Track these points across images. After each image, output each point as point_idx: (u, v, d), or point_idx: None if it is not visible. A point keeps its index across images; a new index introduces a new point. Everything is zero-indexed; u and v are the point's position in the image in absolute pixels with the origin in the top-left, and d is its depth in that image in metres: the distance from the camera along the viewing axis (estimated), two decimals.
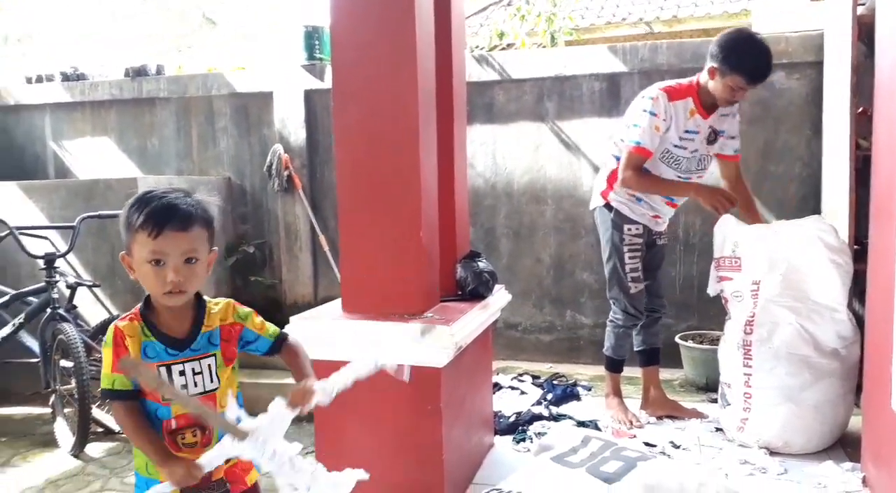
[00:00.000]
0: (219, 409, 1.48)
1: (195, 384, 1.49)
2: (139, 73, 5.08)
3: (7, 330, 3.54)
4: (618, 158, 3.03)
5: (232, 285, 4.91)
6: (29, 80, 5.42)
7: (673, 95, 2.91)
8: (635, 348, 3.32)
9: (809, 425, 2.76)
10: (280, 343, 1.65)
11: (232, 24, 13.56)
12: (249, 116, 4.95)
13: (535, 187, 4.44)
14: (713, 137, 3.04)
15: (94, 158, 5.25)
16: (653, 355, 3.30)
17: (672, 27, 8.11)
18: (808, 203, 3.98)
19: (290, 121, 4.79)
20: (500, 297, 2.84)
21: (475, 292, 2.60)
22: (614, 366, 3.27)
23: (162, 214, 1.41)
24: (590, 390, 3.74)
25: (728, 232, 2.99)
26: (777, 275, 2.79)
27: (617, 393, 3.27)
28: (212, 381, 1.50)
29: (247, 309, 1.61)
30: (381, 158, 2.30)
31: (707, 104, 2.95)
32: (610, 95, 4.26)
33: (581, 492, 2.17)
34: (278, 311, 4.87)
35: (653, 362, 3.29)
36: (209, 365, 1.51)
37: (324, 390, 1.49)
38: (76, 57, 5.73)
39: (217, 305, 1.56)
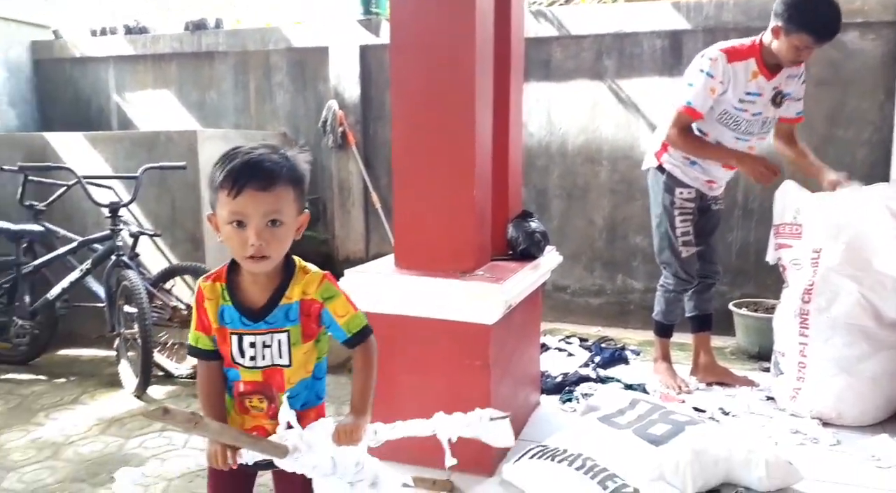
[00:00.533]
0: (286, 385, 1.45)
1: (263, 358, 1.43)
2: (198, 26, 5.14)
3: (75, 275, 3.70)
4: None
5: None
6: (94, 33, 5.54)
7: (733, 55, 2.80)
8: (687, 314, 3.27)
9: (865, 396, 2.70)
10: (356, 341, 1.51)
11: None
12: (305, 71, 4.97)
13: (591, 148, 4.36)
14: (779, 99, 2.92)
15: (155, 110, 5.36)
16: (704, 321, 3.25)
17: None
18: (878, 170, 3.82)
19: (345, 77, 4.80)
20: (551, 258, 2.83)
21: (526, 253, 2.59)
22: (664, 331, 3.24)
23: (243, 172, 1.32)
24: (638, 354, 3.73)
25: (789, 198, 2.91)
26: (840, 243, 2.70)
27: (666, 358, 3.24)
28: (280, 356, 1.43)
29: (336, 289, 1.47)
30: (436, 114, 2.29)
31: (770, 65, 2.83)
32: (672, 54, 4.13)
33: (627, 453, 2.18)
34: (330, 266, 4.93)
35: (704, 328, 3.25)
36: (280, 340, 1.42)
37: (374, 436, 1.51)
38: (137, 9, 5.77)
39: (306, 274, 1.46)
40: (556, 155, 4.44)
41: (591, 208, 4.41)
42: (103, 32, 5.48)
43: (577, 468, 2.12)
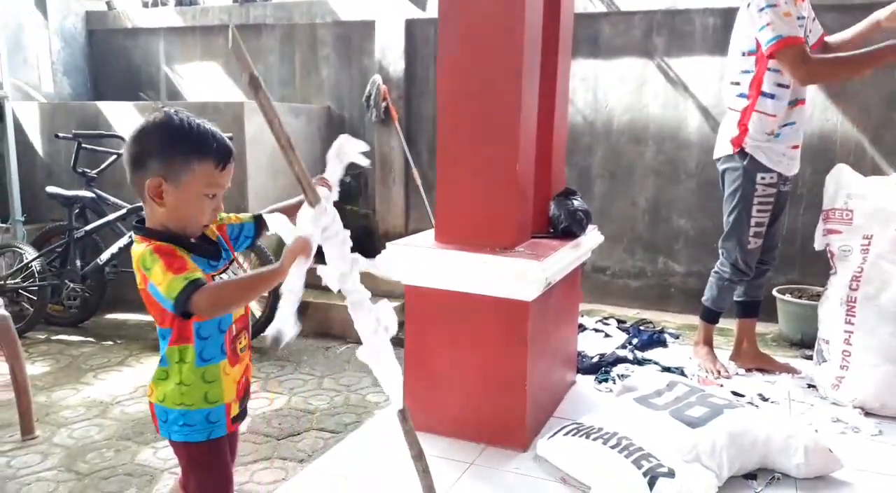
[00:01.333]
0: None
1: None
2: None
3: (124, 241, 3.81)
4: (745, 97, 2.82)
5: None
6: (145, 4, 5.63)
7: None
8: (735, 298, 3.18)
9: None
10: (260, 219, 1.59)
11: None
12: (351, 45, 4.98)
13: (636, 127, 4.29)
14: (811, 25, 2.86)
15: (203, 81, 5.45)
16: (752, 307, 3.17)
17: None
18: None
19: (389, 51, 4.80)
20: (592, 237, 2.81)
21: (567, 230, 2.58)
22: (711, 317, 3.15)
23: (228, 149, 1.42)
24: (677, 338, 3.69)
25: (842, 183, 2.82)
26: (891, 230, 2.63)
27: (708, 342, 3.19)
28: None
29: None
30: (482, 87, 2.28)
31: None
32: (724, 32, 3.99)
33: (663, 434, 2.17)
34: (370, 240, 5.00)
35: (751, 314, 3.18)
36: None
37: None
38: None
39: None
40: (600, 134, 4.38)
41: (635, 189, 4.35)
42: (154, 4, 5.58)
43: (612, 447, 2.12)
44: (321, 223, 1.45)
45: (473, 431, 2.42)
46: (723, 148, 2.98)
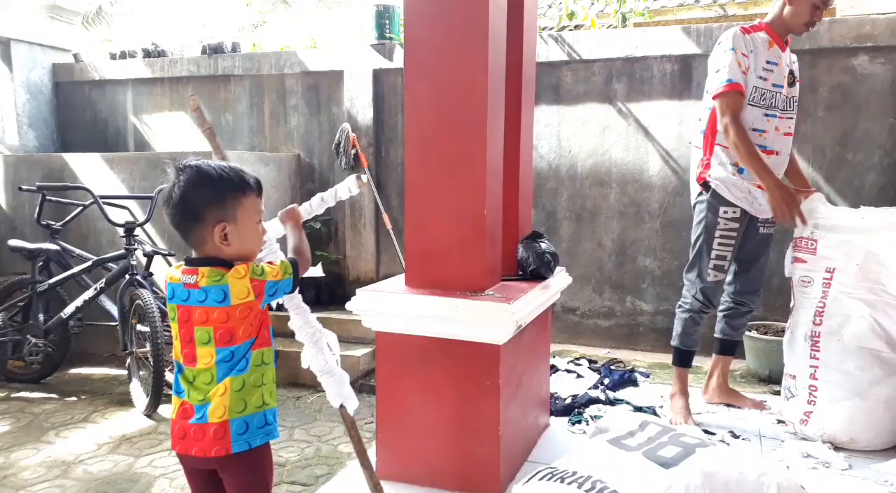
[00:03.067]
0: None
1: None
2: (216, 50, 5.24)
3: (89, 294, 3.74)
4: (704, 133, 2.93)
5: None
6: (113, 57, 5.66)
7: (747, 29, 2.85)
8: (715, 334, 3.20)
9: (878, 421, 2.68)
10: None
11: (305, 4, 13.74)
12: (320, 95, 5.05)
13: (600, 171, 4.39)
14: (791, 78, 2.94)
15: (171, 131, 5.46)
16: (729, 346, 3.19)
17: (747, 10, 7.84)
18: (888, 194, 3.82)
19: (358, 100, 4.87)
20: (560, 279, 2.84)
21: (536, 273, 2.60)
22: (682, 359, 3.05)
23: (255, 177, 1.65)
24: (648, 376, 3.71)
25: (813, 211, 2.85)
26: (853, 264, 2.70)
27: (684, 392, 3.06)
28: None
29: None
30: (449, 134, 2.32)
31: (782, 36, 2.88)
32: (682, 78, 4.17)
33: (637, 475, 2.17)
34: (341, 286, 4.99)
35: (726, 352, 3.19)
36: None
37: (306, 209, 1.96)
38: (156, 33, 5.90)
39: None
40: (565, 177, 4.47)
41: (601, 231, 4.43)
42: (122, 56, 5.60)
43: (587, 491, 2.11)
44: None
45: (448, 478, 2.39)
46: (693, 189, 3.05)
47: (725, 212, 2.90)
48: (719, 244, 2.92)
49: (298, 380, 3.99)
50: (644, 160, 4.29)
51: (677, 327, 3.08)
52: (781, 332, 3.38)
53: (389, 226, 4.80)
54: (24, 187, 3.86)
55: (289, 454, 3.01)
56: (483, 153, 2.30)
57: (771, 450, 2.73)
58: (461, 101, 2.31)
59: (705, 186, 2.94)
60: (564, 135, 4.45)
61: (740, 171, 2.88)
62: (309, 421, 3.42)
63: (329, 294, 4.91)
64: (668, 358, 3.75)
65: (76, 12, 6.02)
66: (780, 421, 2.99)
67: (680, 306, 3.08)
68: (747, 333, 3.76)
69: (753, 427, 2.94)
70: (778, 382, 3.25)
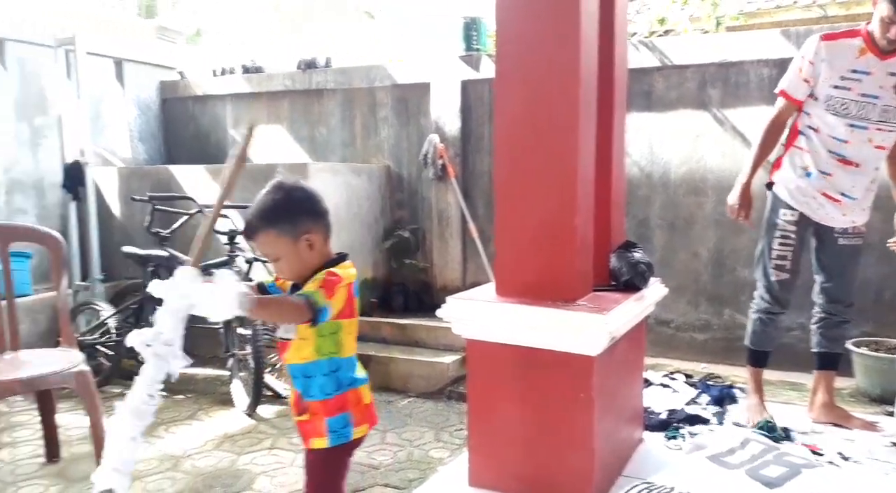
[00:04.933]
0: (287, 358, 1.76)
1: (285, 331, 1.75)
2: (310, 65, 5.44)
3: None
4: (789, 132, 2.92)
5: (388, 267, 5.15)
6: (214, 73, 5.97)
7: (830, 36, 2.75)
8: (812, 349, 3.07)
9: None
10: (300, 295, 1.69)
11: (389, 18, 14.07)
12: (408, 107, 5.15)
13: (694, 178, 4.27)
14: None
15: (269, 144, 5.69)
16: (829, 359, 3.04)
17: (849, 10, 7.44)
18: None
19: (446, 111, 4.93)
20: (655, 290, 2.78)
21: (630, 283, 2.55)
22: (755, 359, 3.04)
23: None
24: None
25: None
26: None
27: (756, 391, 3.03)
28: (286, 332, 1.75)
29: (321, 277, 1.69)
30: (539, 142, 2.32)
31: (882, 47, 2.69)
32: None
33: None
34: (428, 294, 5.05)
35: (827, 366, 3.04)
36: None
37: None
38: (251, 50, 6.18)
39: (322, 273, 1.73)
40: (657, 185, 4.37)
41: (696, 241, 4.30)
42: (223, 72, 5.90)
43: None
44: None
45: (540, 489, 2.37)
46: (765, 179, 3.08)
47: (784, 213, 2.89)
48: (780, 245, 2.90)
49: (389, 385, 4.07)
50: (741, 167, 4.12)
51: (750, 327, 3.06)
52: (894, 349, 3.18)
53: (476, 235, 4.83)
54: (137, 197, 4.12)
55: (382, 457, 3.07)
56: (574, 161, 2.29)
57: (884, 474, 2.56)
58: (552, 108, 2.30)
59: (769, 185, 2.97)
60: (656, 141, 4.35)
61: (807, 174, 2.82)
62: (400, 425, 3.48)
63: (417, 301, 4.98)
64: (771, 375, 3.61)
65: (180, 32, 6.40)
66: (893, 444, 2.81)
67: (751, 306, 3.06)
68: (856, 349, 3.56)
69: (864, 449, 2.77)
70: (890, 402, 3.06)
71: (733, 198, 2.94)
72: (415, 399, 3.91)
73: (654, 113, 4.34)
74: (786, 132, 2.93)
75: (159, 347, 1.54)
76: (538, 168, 2.34)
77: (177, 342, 1.56)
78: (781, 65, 3.96)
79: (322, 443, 1.74)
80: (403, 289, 5.03)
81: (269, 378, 3.75)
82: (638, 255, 2.59)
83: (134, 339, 1.57)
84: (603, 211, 2.61)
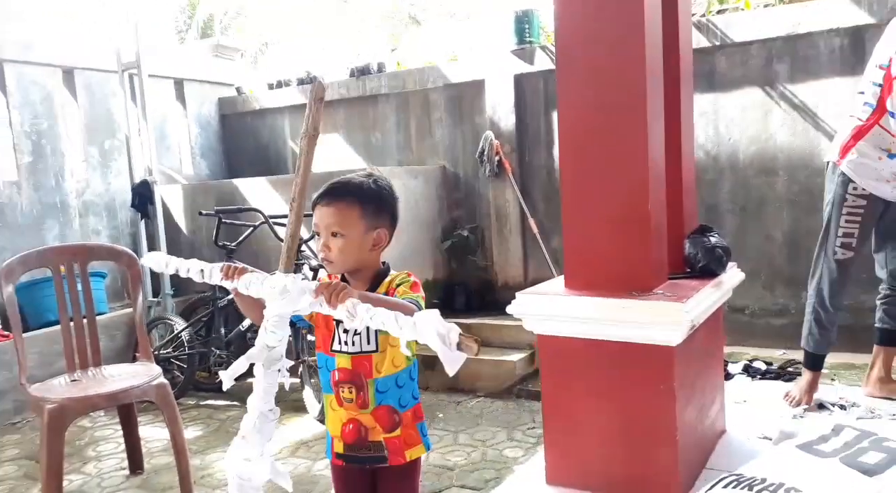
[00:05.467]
0: (374, 372, 1.60)
1: (353, 344, 1.60)
2: (363, 72, 5.47)
3: None
4: (870, 106, 2.72)
5: (448, 268, 5.13)
6: (270, 86, 6.08)
7: None
8: (875, 324, 3.01)
9: None
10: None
11: (436, 21, 14.11)
12: (462, 105, 5.12)
13: (764, 158, 4.10)
14: None
15: (326, 152, 5.74)
16: (890, 336, 2.98)
17: None
18: None
19: (500, 107, 4.89)
20: (733, 275, 2.67)
21: (707, 269, 2.46)
22: (813, 363, 2.95)
23: (319, 192, 1.62)
24: (833, 379, 3.40)
25: None
26: None
27: (811, 389, 2.97)
28: (368, 343, 1.60)
29: (409, 279, 1.61)
30: (606, 130, 2.26)
31: None
32: (853, 51, 3.81)
33: (836, 483, 1.98)
34: (490, 292, 5.01)
35: (887, 342, 2.98)
36: (367, 327, 1.45)
37: (351, 308, 1.28)
38: (305, 63, 6.27)
39: (398, 277, 1.62)
40: (725, 168, 4.22)
41: (769, 222, 4.12)
42: (279, 85, 6.00)
43: None
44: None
45: (622, 485, 2.30)
46: (832, 151, 2.91)
47: (854, 188, 2.78)
48: (846, 222, 2.80)
49: (457, 385, 4.04)
50: (814, 144, 3.95)
51: (805, 329, 2.96)
52: None
53: (536, 230, 4.76)
54: (204, 212, 4.21)
55: (456, 458, 3.05)
56: (644, 147, 2.22)
57: None
58: (618, 94, 2.24)
59: (834, 162, 2.85)
60: (722, 123, 4.20)
61: (890, 156, 2.69)
62: (472, 426, 3.45)
63: (479, 300, 4.95)
64: (854, 358, 3.46)
65: (237, 49, 6.54)
66: None
67: (810, 304, 2.95)
68: None
69: None
70: None
71: None
72: (483, 399, 3.88)
73: (718, 94, 4.19)
74: (867, 110, 2.76)
75: (268, 360, 1.48)
76: (606, 155, 2.28)
77: (283, 350, 1.49)
78: (854, 33, 3.79)
79: (420, 451, 1.67)
80: (465, 288, 5.00)
81: None
82: (714, 239, 2.50)
83: (238, 366, 1.48)
84: (674, 196, 2.52)
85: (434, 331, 1.15)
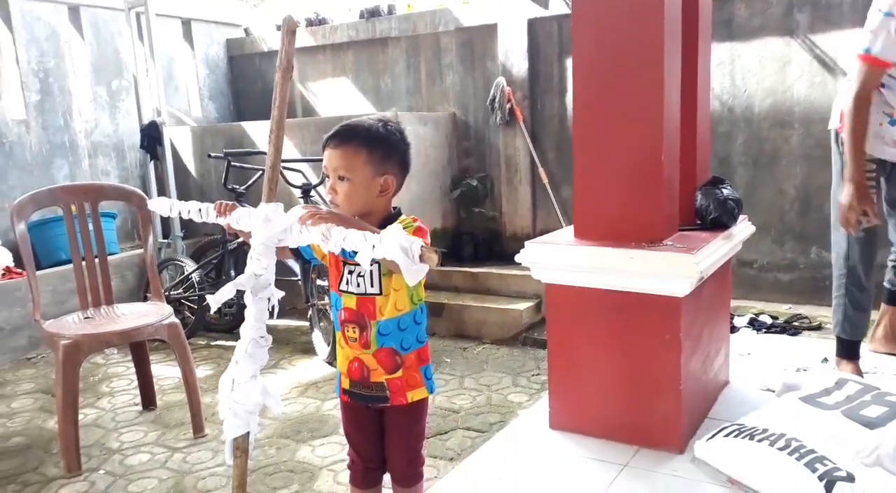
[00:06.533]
0: (377, 314, 1.63)
1: (357, 285, 1.63)
2: (373, 14, 5.36)
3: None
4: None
5: (456, 217, 5.13)
6: (278, 28, 5.96)
7: None
8: (885, 283, 2.92)
9: None
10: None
11: None
12: (474, 50, 5.03)
13: (780, 110, 4.03)
14: None
15: (335, 96, 5.69)
16: None
17: None
18: None
19: (512, 52, 4.79)
20: (743, 228, 2.67)
21: (717, 221, 2.45)
22: (850, 351, 2.75)
23: (328, 135, 1.62)
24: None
25: None
26: None
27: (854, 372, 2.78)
28: (372, 286, 1.62)
29: (414, 224, 1.57)
30: (621, 77, 2.22)
31: None
32: None
33: (837, 435, 2.02)
34: (498, 242, 5.02)
35: (895, 302, 2.92)
36: (371, 271, 1.61)
37: (325, 232, 1.35)
38: (314, 3, 6.12)
39: (402, 222, 1.57)
40: (740, 120, 4.16)
41: (781, 176, 4.09)
42: None
43: (781, 449, 1.99)
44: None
45: (625, 432, 2.35)
46: (834, 119, 2.72)
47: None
48: None
49: (463, 332, 4.09)
50: (832, 97, 3.83)
51: (838, 313, 2.73)
52: None
53: (546, 180, 4.74)
54: (213, 154, 4.19)
55: (461, 402, 3.11)
56: (659, 95, 2.18)
57: None
58: (634, 40, 2.19)
59: (837, 132, 2.65)
60: (738, 73, 4.12)
61: (891, 123, 2.51)
62: (477, 371, 3.50)
63: (486, 250, 4.96)
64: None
65: None
66: None
67: (837, 287, 2.74)
68: None
69: None
70: None
71: (848, 198, 2.48)
72: (489, 346, 3.93)
73: (736, 43, 4.10)
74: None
75: (256, 287, 1.50)
76: (621, 104, 2.25)
77: (271, 279, 1.52)
78: None
79: (422, 393, 1.70)
80: (473, 238, 5.01)
81: None
82: (726, 191, 2.48)
83: (225, 292, 1.50)
84: (688, 147, 2.49)
85: (397, 244, 1.22)
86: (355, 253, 1.30)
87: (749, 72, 4.09)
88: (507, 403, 3.09)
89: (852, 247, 2.65)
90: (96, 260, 3.06)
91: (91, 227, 3.05)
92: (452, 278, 4.50)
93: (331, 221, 1.38)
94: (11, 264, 4.17)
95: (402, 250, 1.21)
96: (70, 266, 3.05)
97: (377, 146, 1.60)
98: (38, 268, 3.57)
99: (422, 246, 1.21)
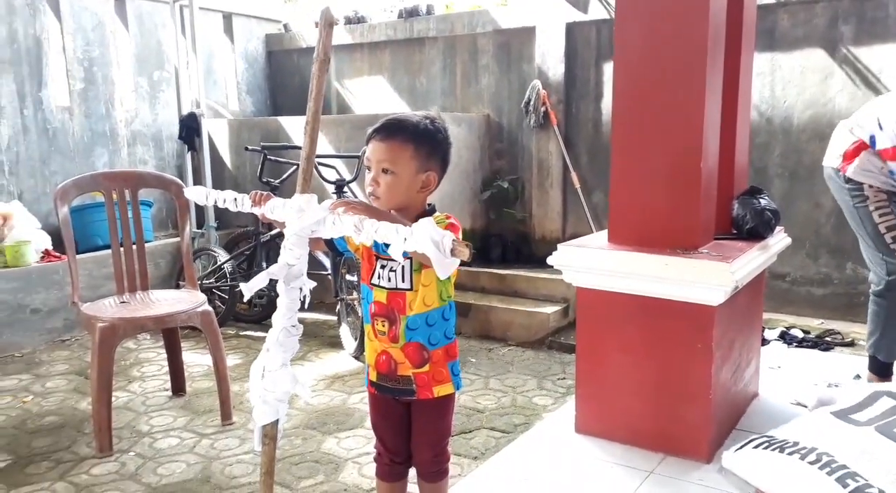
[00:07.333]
0: (407, 309, 1.64)
1: (389, 280, 1.64)
2: (411, 13, 5.39)
3: None
4: (871, 138, 2.58)
5: (486, 218, 5.14)
6: (317, 24, 6.01)
7: None
8: None
9: None
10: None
11: None
12: (510, 53, 5.03)
13: (820, 123, 3.98)
14: None
15: (370, 95, 5.73)
16: None
17: None
18: None
19: (549, 56, 4.79)
20: (779, 239, 2.65)
21: (754, 231, 2.44)
22: (881, 369, 2.76)
23: (374, 127, 1.63)
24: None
25: None
26: None
27: None
28: (403, 281, 1.63)
29: (446, 221, 1.57)
30: (663, 84, 2.22)
31: None
32: None
33: (869, 451, 1.98)
34: (527, 244, 5.01)
35: None
36: (404, 267, 1.63)
37: (358, 223, 1.34)
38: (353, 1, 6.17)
39: (435, 218, 1.57)
40: (778, 131, 4.11)
41: (819, 190, 4.02)
42: None
43: (811, 463, 1.97)
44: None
45: (652, 439, 2.34)
46: (831, 158, 2.77)
47: (870, 186, 2.64)
48: (881, 215, 2.65)
49: (489, 333, 4.10)
50: None
51: (876, 330, 2.74)
52: None
53: (578, 185, 4.73)
54: (251, 147, 4.25)
55: (486, 402, 3.12)
56: (701, 103, 2.18)
57: None
58: (678, 48, 2.19)
59: (838, 171, 2.71)
60: (778, 84, 4.08)
61: (892, 173, 2.57)
62: (502, 372, 3.51)
63: (515, 252, 4.96)
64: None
65: None
66: None
67: (875, 301, 2.75)
68: None
69: None
70: None
71: None
72: (515, 348, 3.93)
73: (777, 53, 4.05)
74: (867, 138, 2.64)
75: (288, 277, 1.53)
76: (662, 110, 2.24)
77: (304, 269, 1.54)
78: None
79: (449, 389, 1.72)
80: (501, 240, 5.01)
81: None
82: (764, 201, 2.47)
83: (258, 281, 1.53)
84: (727, 155, 2.49)
85: (429, 237, 1.22)
86: (388, 246, 1.32)
87: (790, 83, 4.04)
88: (532, 405, 3.09)
89: (889, 252, 2.67)
90: (133, 246, 3.12)
91: (130, 213, 3.11)
92: (480, 279, 4.51)
93: (363, 213, 1.40)
94: (50, 248, 4.26)
95: (434, 243, 1.21)
96: (106, 252, 3.12)
97: (423, 142, 1.62)
98: (76, 253, 3.65)
99: (453, 240, 1.22)
